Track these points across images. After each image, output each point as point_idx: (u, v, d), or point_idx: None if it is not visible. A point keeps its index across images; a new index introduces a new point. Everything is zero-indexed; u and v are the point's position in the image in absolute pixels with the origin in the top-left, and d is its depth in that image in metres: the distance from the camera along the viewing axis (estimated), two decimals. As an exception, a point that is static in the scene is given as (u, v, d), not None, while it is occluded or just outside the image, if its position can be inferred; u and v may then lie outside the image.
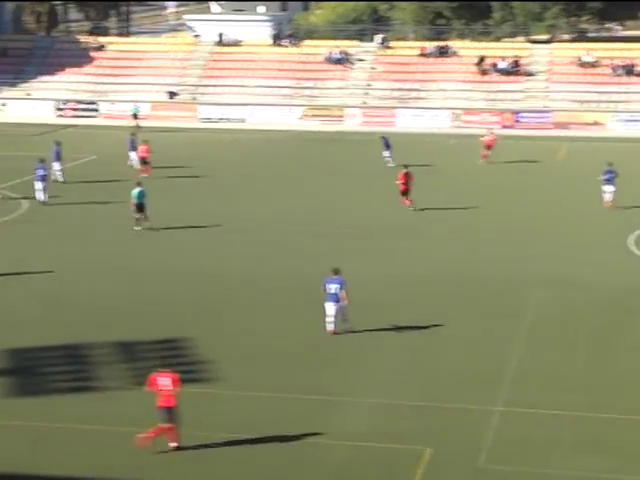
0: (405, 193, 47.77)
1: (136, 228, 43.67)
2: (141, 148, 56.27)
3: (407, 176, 47.79)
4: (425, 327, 32.06)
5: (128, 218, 44.04)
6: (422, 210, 47.14)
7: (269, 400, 26.62)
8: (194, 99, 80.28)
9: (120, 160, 58.44)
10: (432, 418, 25.66)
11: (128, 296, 35.43)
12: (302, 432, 24.53)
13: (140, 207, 43.58)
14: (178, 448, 23.65)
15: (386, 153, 59.20)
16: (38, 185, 48.81)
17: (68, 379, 28.10)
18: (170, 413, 23.65)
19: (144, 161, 55.59)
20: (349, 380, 28.15)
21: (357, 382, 28.00)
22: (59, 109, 79.31)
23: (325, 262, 35.28)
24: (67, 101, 79.16)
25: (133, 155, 57.97)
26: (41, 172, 49.01)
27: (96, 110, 79.46)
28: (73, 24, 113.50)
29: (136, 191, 43.79)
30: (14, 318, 32.95)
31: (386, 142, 59.68)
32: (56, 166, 53.67)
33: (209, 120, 77.67)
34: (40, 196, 48.75)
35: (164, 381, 23.81)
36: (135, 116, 74.12)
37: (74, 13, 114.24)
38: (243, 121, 77.28)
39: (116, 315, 33.33)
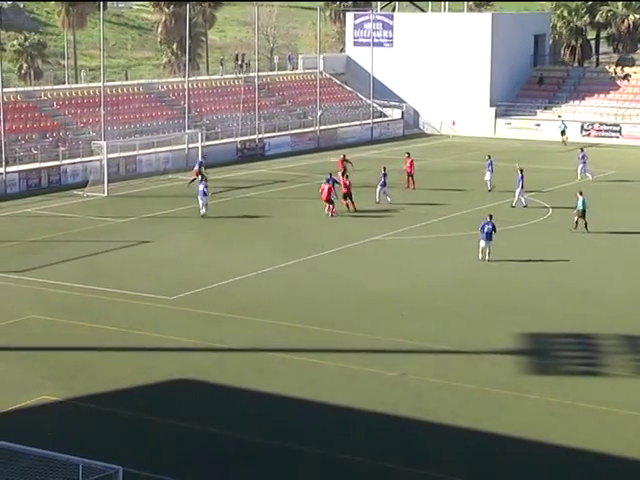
0: None
1: (573, 230, 43.83)
2: None
3: None
4: None
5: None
6: None
7: None
8: None
9: (634, 175, 57.30)
10: None
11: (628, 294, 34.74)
12: None
13: (583, 214, 43.97)
14: None
15: None
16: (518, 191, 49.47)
17: (580, 364, 28.09)
18: None
19: None
20: None
21: None
22: (585, 130, 79.14)
23: None
24: (592, 123, 78.78)
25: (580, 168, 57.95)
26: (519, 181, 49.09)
27: (619, 132, 78.59)
28: (602, 56, 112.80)
29: (580, 200, 43.97)
30: (534, 307, 33.30)
31: None
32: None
33: None
34: (521, 201, 49.25)
35: None
36: (563, 133, 74.55)
37: (604, 47, 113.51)
38: None
39: (623, 309, 32.70)
